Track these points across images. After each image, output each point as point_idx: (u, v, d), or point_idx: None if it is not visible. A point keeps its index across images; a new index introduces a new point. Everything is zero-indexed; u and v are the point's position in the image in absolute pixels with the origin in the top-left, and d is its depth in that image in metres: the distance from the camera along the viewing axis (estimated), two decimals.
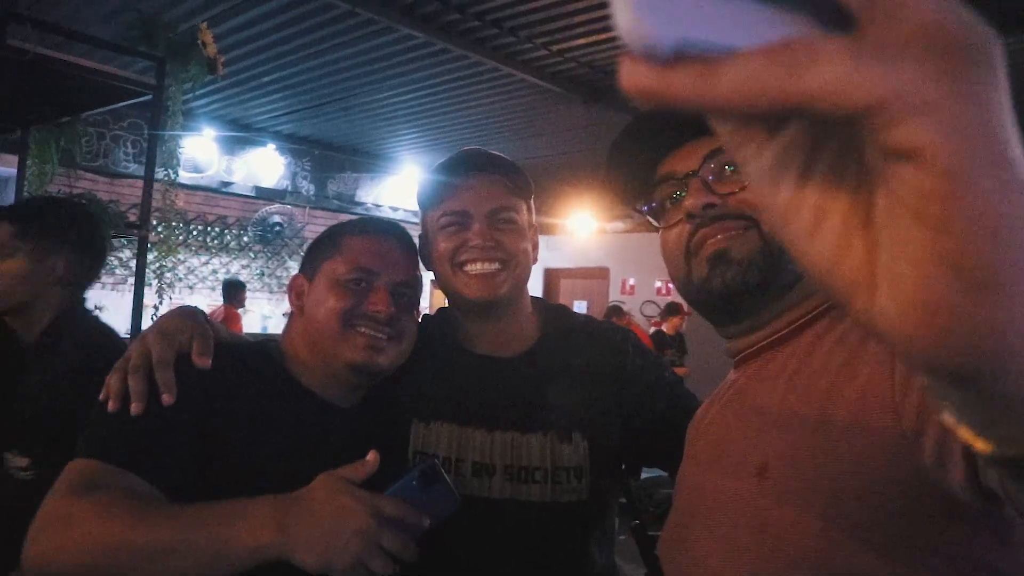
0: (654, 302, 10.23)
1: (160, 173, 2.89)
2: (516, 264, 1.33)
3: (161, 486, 1.04)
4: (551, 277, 11.70)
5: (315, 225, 9.28)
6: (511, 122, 7.23)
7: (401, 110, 7.07)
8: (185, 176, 7.55)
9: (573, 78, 5.95)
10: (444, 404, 1.33)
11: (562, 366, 1.36)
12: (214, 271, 8.59)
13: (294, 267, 9.30)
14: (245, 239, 8.83)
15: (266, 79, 6.20)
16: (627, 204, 1.09)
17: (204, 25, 2.61)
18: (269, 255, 9.07)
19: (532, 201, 1.40)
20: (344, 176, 9.26)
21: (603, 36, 5.05)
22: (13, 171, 3.29)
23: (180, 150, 2.87)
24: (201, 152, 7.52)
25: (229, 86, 6.36)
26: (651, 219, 1.05)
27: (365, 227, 1.35)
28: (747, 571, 0.81)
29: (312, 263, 1.33)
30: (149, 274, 2.97)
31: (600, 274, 11.09)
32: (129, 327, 2.77)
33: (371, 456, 1.04)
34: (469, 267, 1.31)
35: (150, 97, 2.63)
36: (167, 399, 1.09)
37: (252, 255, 8.93)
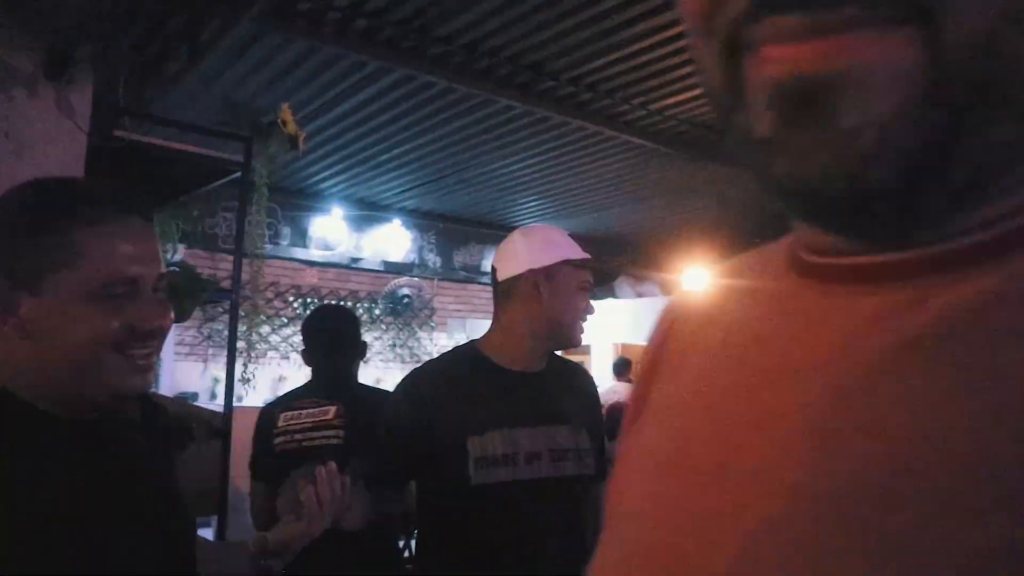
0: None
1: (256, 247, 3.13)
2: None
3: None
4: None
5: (444, 296, 9.57)
6: (622, 184, 7.25)
7: (513, 180, 7.23)
8: (317, 254, 8.09)
9: (676, 136, 5.92)
10: (494, 415, 1.70)
11: (566, 378, 1.89)
12: None
13: (425, 337, 9.59)
14: (376, 312, 9.22)
15: (382, 158, 6.55)
16: None
17: (286, 106, 2.85)
18: (400, 327, 9.41)
19: None
20: (469, 247, 9.53)
21: (699, 91, 5.02)
22: None
23: (266, 221, 3.11)
24: (331, 231, 8.00)
25: (352, 167, 6.78)
26: None
27: (95, 211, 0.98)
28: None
29: (27, 271, 0.95)
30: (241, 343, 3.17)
31: None
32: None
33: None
34: (584, 323, 1.81)
35: (239, 174, 2.88)
36: None
37: (383, 327, 9.29)
